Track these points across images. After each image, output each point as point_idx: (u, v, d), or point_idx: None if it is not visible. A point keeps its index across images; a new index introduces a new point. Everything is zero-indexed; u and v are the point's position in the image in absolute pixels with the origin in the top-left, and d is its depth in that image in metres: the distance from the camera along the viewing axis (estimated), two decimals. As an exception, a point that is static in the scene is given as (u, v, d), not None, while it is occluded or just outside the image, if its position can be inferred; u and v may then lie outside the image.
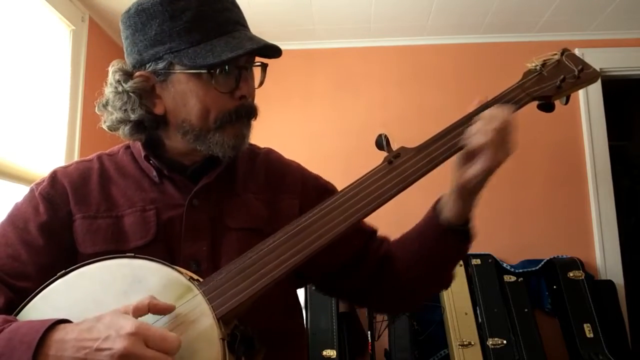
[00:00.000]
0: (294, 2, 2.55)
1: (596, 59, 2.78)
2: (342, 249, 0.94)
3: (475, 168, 0.81)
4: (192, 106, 0.87)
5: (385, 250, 0.98)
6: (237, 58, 0.84)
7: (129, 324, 0.63)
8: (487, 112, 0.82)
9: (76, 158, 2.27)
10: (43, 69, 2.16)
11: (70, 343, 0.64)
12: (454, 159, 0.86)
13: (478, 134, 0.81)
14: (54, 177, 0.93)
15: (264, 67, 0.94)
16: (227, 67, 0.85)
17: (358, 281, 0.97)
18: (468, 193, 0.84)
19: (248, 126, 0.91)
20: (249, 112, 0.90)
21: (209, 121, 0.87)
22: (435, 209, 0.90)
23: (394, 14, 2.71)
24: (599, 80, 2.81)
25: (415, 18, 2.76)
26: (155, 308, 0.68)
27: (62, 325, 0.67)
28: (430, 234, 0.89)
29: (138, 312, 0.67)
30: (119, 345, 0.61)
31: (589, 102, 2.86)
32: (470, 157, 0.83)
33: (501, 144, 0.80)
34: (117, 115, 0.90)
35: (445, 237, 0.87)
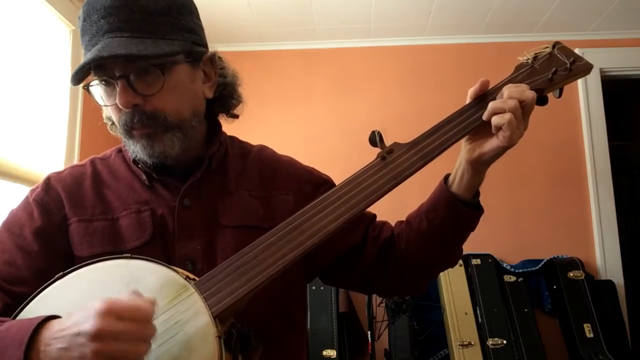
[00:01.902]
0: (294, 2, 2.55)
1: (596, 59, 2.76)
2: (343, 240, 0.95)
3: (489, 145, 0.83)
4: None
5: (387, 235, 0.98)
6: (80, 75, 0.81)
7: (98, 303, 0.63)
8: (506, 89, 0.83)
9: (76, 158, 2.27)
10: (43, 69, 2.16)
11: (55, 335, 0.64)
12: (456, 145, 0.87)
13: (497, 115, 0.81)
14: (47, 183, 0.94)
15: (125, 79, 0.82)
16: (87, 83, 0.85)
17: (362, 269, 0.98)
18: (479, 167, 0.86)
19: (145, 135, 0.85)
20: (126, 123, 0.84)
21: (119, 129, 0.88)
22: (444, 185, 0.91)
23: (394, 14, 2.71)
24: (599, 81, 2.82)
25: (415, 18, 2.76)
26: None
27: (51, 321, 0.67)
28: (442, 207, 0.89)
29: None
30: (90, 326, 0.61)
31: (589, 102, 2.86)
32: (482, 130, 0.84)
33: (516, 125, 0.80)
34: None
35: (458, 208, 0.88)
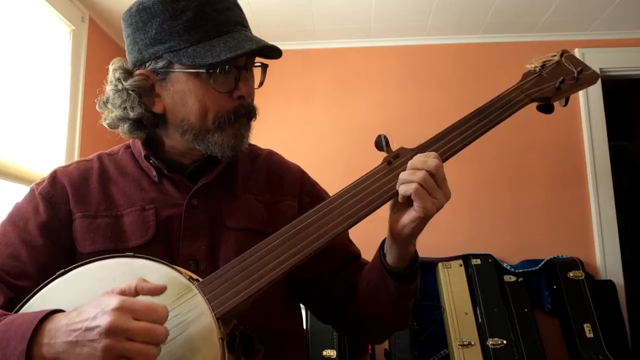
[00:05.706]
0: (294, 2, 2.55)
1: (596, 59, 2.79)
2: (319, 264, 0.92)
3: (408, 217, 0.79)
4: (190, 105, 0.87)
5: (357, 279, 0.94)
6: (235, 58, 0.84)
7: (114, 300, 0.63)
8: (410, 162, 0.79)
9: (76, 158, 2.27)
10: (43, 69, 2.16)
11: (62, 329, 0.64)
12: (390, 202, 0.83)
13: (403, 184, 0.77)
14: (54, 176, 0.93)
15: (264, 67, 0.95)
16: (226, 67, 0.85)
17: (327, 302, 0.97)
18: (402, 239, 0.81)
19: (247, 127, 0.91)
20: (248, 113, 0.90)
21: (208, 121, 0.87)
22: (379, 251, 0.87)
23: (394, 14, 2.71)
24: (600, 80, 2.82)
25: (415, 18, 2.76)
26: (143, 290, 0.67)
27: (56, 315, 0.67)
28: (375, 276, 0.87)
29: (124, 294, 0.66)
30: (105, 320, 0.61)
31: (589, 102, 2.86)
32: (404, 202, 0.80)
33: (429, 195, 0.76)
34: (117, 112, 0.90)
35: (387, 281, 0.84)
